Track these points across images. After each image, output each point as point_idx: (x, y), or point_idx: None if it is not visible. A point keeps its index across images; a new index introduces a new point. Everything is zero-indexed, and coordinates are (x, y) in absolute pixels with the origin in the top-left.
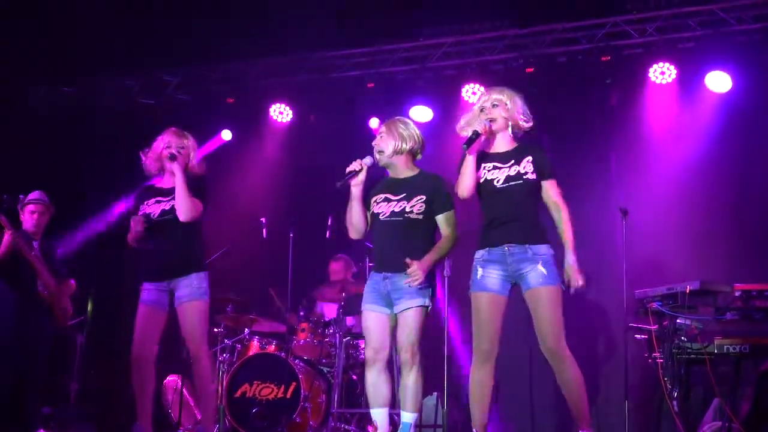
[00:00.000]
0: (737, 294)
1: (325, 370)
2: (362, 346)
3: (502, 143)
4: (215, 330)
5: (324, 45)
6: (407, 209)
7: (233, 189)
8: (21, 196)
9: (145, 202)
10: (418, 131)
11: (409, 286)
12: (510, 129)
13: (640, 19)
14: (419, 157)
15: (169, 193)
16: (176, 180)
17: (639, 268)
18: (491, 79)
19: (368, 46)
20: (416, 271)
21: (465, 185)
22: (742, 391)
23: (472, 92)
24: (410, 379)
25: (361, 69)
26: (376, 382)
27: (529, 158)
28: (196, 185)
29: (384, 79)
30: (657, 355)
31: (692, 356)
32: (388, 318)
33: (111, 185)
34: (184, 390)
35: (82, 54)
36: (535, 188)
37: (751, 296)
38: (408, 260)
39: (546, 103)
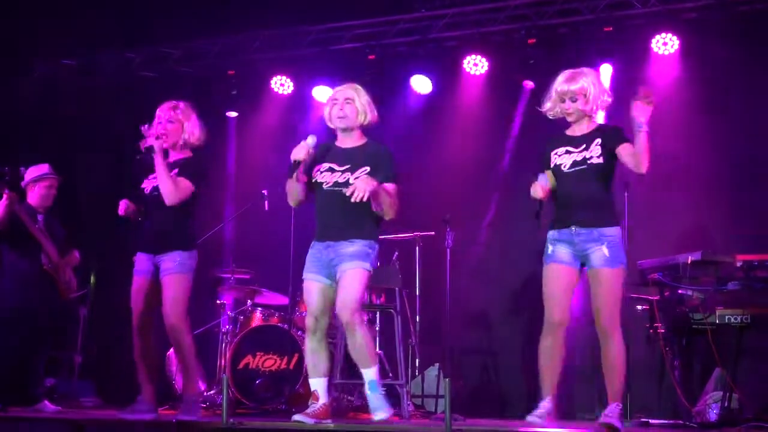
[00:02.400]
0: (738, 264)
1: (328, 341)
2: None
3: (580, 126)
4: (218, 302)
5: (324, 17)
6: (351, 180)
7: (234, 161)
8: (22, 169)
9: (147, 176)
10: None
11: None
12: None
13: None
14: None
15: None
16: (156, 166)
17: (641, 239)
18: (493, 51)
19: (369, 18)
20: (365, 180)
21: None
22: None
23: (473, 63)
24: (356, 339)
25: (362, 41)
26: (316, 349)
27: (598, 141)
28: (188, 164)
29: (385, 51)
30: (658, 325)
31: (694, 326)
32: (329, 288)
33: (111, 158)
34: None
35: (82, 26)
36: (603, 170)
37: (752, 266)
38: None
39: (548, 74)
